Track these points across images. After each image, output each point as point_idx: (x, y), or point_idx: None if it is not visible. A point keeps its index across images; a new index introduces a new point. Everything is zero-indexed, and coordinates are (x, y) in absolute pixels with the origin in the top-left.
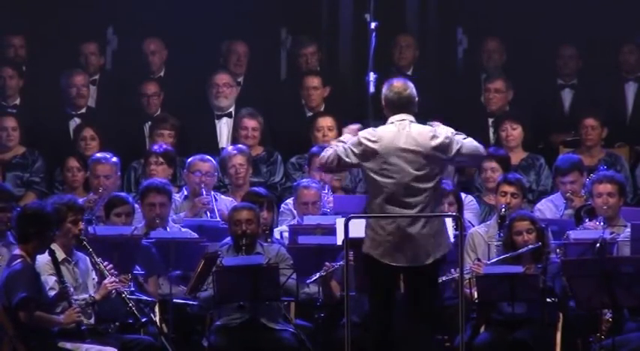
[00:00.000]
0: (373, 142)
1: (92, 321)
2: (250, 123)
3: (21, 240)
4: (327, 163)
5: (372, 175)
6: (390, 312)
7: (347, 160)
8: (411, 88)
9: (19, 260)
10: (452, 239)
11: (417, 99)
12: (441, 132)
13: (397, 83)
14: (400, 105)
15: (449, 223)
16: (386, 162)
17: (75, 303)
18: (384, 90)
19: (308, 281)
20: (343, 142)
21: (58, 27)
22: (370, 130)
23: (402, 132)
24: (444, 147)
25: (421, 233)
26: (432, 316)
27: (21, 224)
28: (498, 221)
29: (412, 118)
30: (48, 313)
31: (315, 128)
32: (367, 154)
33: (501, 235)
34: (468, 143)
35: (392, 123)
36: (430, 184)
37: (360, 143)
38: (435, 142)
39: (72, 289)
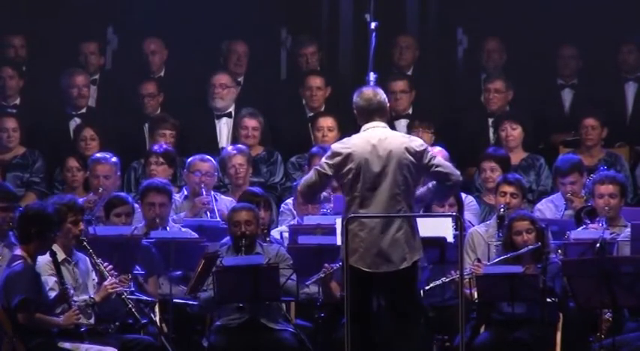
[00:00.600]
0: (345, 148)
1: (92, 321)
2: (250, 123)
3: (22, 240)
4: (307, 185)
5: (345, 180)
6: (368, 318)
7: (323, 170)
8: (381, 94)
9: (19, 261)
10: (452, 239)
11: (388, 105)
12: (417, 138)
13: (367, 90)
14: (371, 112)
15: (449, 223)
16: (358, 167)
17: (75, 305)
18: (355, 98)
19: (307, 282)
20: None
21: (58, 27)
22: (342, 139)
23: (374, 137)
24: (418, 152)
25: (395, 238)
26: (415, 318)
27: (22, 225)
28: (498, 221)
29: (385, 124)
30: (48, 314)
31: (316, 128)
32: (340, 160)
33: (500, 235)
34: (443, 161)
35: (365, 130)
36: (402, 189)
37: (333, 153)
38: (408, 145)
39: (72, 290)
